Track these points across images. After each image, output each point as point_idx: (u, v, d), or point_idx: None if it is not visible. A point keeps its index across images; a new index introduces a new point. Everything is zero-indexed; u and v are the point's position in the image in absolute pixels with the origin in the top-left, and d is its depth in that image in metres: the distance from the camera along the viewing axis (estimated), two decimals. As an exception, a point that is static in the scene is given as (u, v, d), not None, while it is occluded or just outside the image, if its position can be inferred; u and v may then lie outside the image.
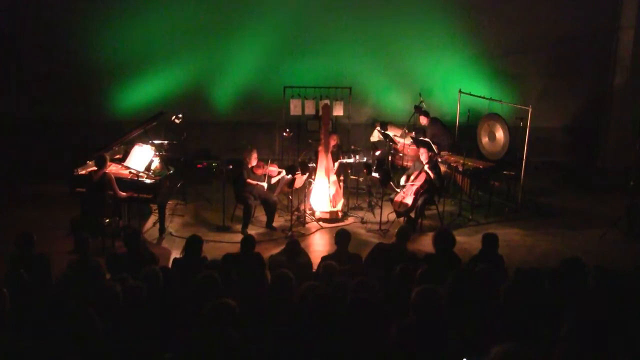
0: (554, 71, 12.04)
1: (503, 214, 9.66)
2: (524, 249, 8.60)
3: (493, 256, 6.13)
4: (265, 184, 8.91)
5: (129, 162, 8.69)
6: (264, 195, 9.00)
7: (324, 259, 6.33)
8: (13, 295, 4.40)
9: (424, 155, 9.00)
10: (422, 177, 8.91)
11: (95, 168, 8.27)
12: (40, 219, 9.15)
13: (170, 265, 6.62)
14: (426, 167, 8.88)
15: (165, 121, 9.67)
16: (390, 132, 10.47)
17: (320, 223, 9.26)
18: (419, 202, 8.87)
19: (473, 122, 10.04)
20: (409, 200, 8.87)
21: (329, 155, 9.29)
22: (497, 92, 10.62)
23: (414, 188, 8.89)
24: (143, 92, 11.56)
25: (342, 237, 6.44)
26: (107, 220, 8.02)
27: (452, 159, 10.09)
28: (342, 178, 9.67)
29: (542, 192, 10.69)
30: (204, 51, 11.63)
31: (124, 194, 8.22)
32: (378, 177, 9.13)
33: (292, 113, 10.55)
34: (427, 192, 8.93)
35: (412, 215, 8.95)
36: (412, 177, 9.03)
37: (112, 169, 8.57)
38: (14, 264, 5.79)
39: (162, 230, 8.78)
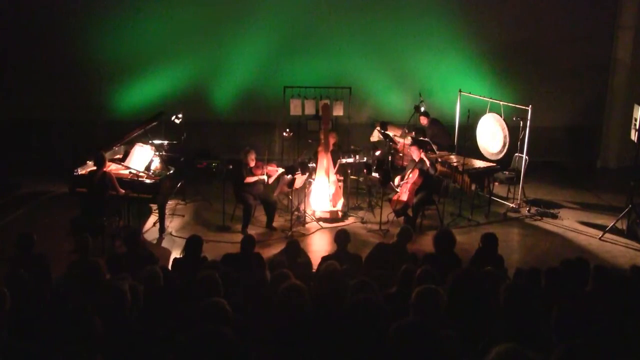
0: (554, 71, 12.04)
1: (503, 214, 9.67)
2: (524, 249, 8.61)
3: (493, 256, 6.13)
4: (265, 177, 8.93)
5: (129, 162, 8.69)
6: (264, 195, 9.01)
7: (324, 259, 6.33)
8: (13, 295, 4.39)
9: (415, 153, 9.05)
10: (416, 172, 8.93)
11: (94, 168, 8.28)
12: (40, 219, 9.17)
13: (170, 265, 6.62)
14: (422, 155, 8.93)
15: (165, 121, 9.68)
16: (390, 132, 10.48)
17: (320, 223, 9.26)
18: (415, 198, 8.88)
19: (473, 122, 10.03)
20: (404, 197, 8.89)
21: (329, 155, 9.30)
22: (497, 92, 10.62)
23: (409, 185, 8.91)
24: (143, 92, 11.57)
25: (342, 237, 6.45)
26: (107, 220, 8.02)
27: (452, 158, 10.11)
28: (341, 178, 9.67)
29: (542, 192, 10.69)
30: (204, 51, 11.64)
31: (124, 191, 8.23)
32: (378, 177, 9.14)
33: (292, 113, 10.55)
34: (424, 189, 8.93)
35: (410, 213, 8.94)
36: (407, 176, 9.06)
37: (112, 168, 8.58)
38: (14, 264, 5.79)
39: (162, 230, 8.78)
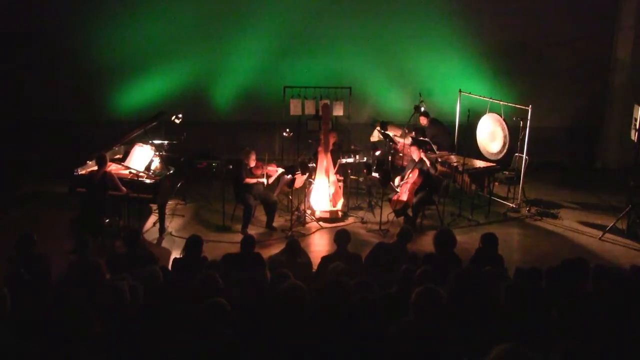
0: (554, 71, 12.04)
1: (503, 214, 9.67)
2: (524, 249, 8.61)
3: (493, 256, 6.13)
4: (264, 180, 8.93)
5: (129, 162, 8.69)
6: (264, 195, 9.01)
7: (324, 259, 6.33)
8: (13, 295, 4.40)
9: (415, 153, 9.06)
10: (416, 172, 8.94)
11: (95, 168, 8.28)
12: (40, 219, 9.16)
13: (170, 265, 6.62)
14: (422, 155, 8.95)
15: (165, 121, 9.68)
16: (390, 132, 10.48)
17: (320, 223, 9.26)
18: (415, 198, 8.88)
19: (473, 122, 10.04)
20: (404, 197, 8.89)
21: (329, 155, 9.30)
22: (497, 92, 10.62)
23: (409, 185, 8.92)
24: (143, 92, 11.57)
25: (342, 237, 6.44)
26: (107, 220, 8.02)
27: (452, 158, 10.11)
28: (341, 178, 9.67)
29: (542, 192, 10.69)
30: (204, 51, 11.64)
31: (126, 189, 8.24)
32: (378, 177, 9.14)
33: (292, 113, 10.55)
34: (424, 189, 8.93)
35: (410, 213, 8.94)
36: (407, 176, 9.06)
37: (112, 168, 8.57)
38: (14, 264, 5.79)
39: (162, 230, 8.78)
